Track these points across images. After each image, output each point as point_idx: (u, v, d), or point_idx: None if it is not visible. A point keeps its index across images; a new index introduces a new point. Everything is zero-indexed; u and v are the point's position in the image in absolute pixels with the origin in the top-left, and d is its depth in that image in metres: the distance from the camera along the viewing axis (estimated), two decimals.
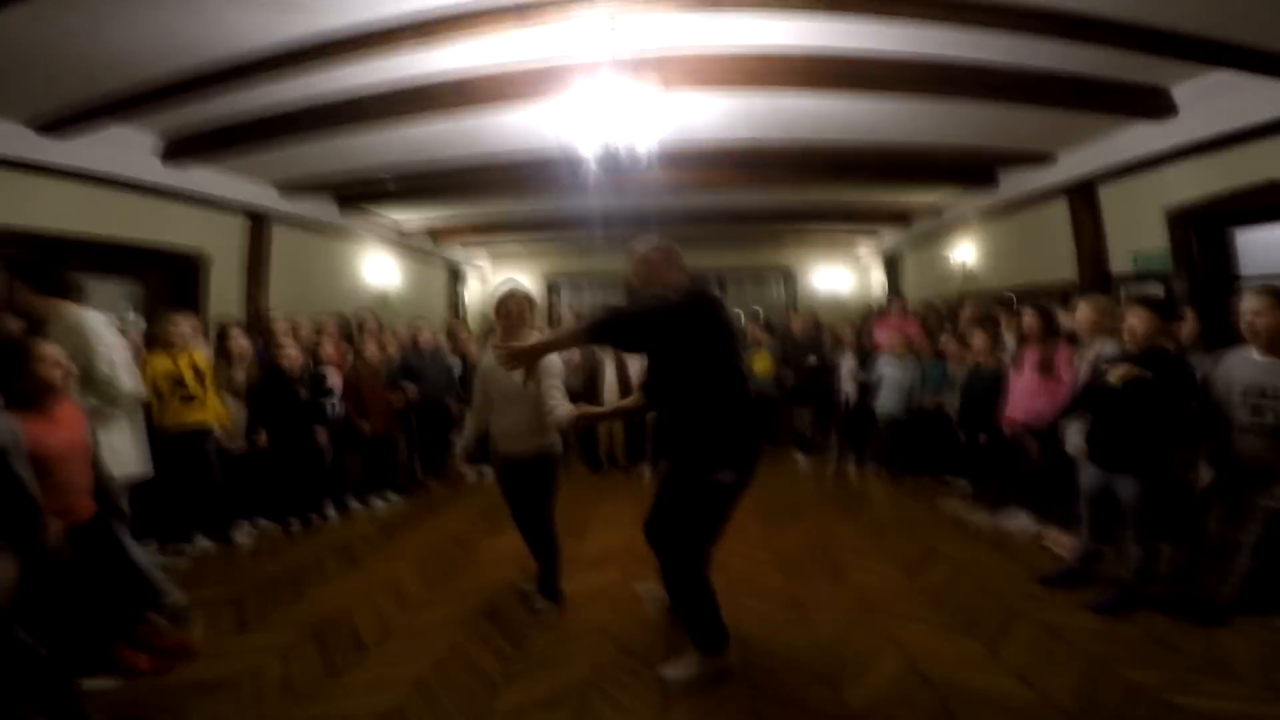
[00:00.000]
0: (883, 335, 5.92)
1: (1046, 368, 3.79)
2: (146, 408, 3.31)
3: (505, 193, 5.93)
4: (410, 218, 7.28)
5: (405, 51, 2.99)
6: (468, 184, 5.56)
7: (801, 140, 4.65)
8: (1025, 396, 3.87)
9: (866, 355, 5.93)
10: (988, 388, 4.28)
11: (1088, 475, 3.00)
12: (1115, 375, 2.82)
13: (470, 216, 7.37)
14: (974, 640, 2.58)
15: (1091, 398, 2.99)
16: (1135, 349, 2.89)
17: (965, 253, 6.94)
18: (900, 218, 7.51)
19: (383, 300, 7.05)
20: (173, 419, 3.49)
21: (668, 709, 2.18)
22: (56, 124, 3.74)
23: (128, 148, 4.26)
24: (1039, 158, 5.02)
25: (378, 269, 7.29)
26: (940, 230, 7.26)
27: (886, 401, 5.45)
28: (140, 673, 2.35)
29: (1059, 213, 5.30)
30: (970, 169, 5.56)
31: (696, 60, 3.30)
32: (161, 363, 3.52)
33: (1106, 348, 3.18)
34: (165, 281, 5.11)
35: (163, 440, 3.38)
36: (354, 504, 4.71)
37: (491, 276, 9.89)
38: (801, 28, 3.03)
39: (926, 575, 3.30)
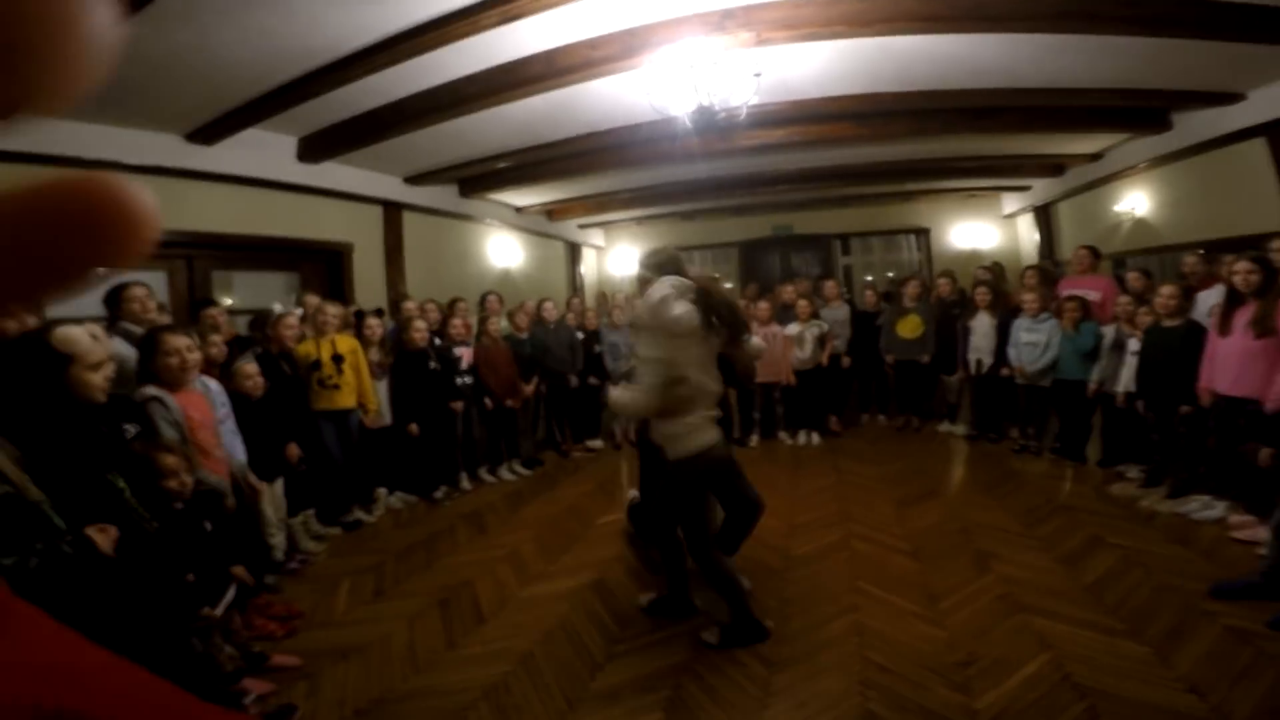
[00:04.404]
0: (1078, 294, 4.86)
1: (1266, 328, 3.07)
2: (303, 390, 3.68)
3: (609, 166, 5.86)
4: (526, 200, 7.48)
5: (490, 28, 2.91)
6: (573, 160, 5.57)
7: (922, 88, 4.13)
8: (1235, 364, 3.21)
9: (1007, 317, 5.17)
10: (1174, 352, 3.60)
11: None
12: None
13: (581, 194, 7.44)
14: (1140, 644, 2.23)
15: None
16: None
17: (1137, 202, 5.92)
18: (1053, 169, 6.60)
19: (505, 278, 7.37)
20: (314, 403, 3.77)
21: (766, 702, 2.08)
22: (201, 131, 4.07)
23: (268, 149, 4.59)
24: (1224, 97, 4.20)
25: (500, 250, 7.59)
26: (1101, 180, 6.26)
27: (1036, 366, 4.77)
28: (276, 638, 2.59)
29: (1257, 155, 4.42)
30: (1135, 112, 4.76)
31: (787, 7, 2.99)
32: (306, 349, 3.81)
33: None
34: (317, 271, 5.66)
35: (310, 420, 3.70)
36: (486, 475, 4.97)
37: (607, 253, 10.03)
38: None
39: (1088, 567, 2.89)
